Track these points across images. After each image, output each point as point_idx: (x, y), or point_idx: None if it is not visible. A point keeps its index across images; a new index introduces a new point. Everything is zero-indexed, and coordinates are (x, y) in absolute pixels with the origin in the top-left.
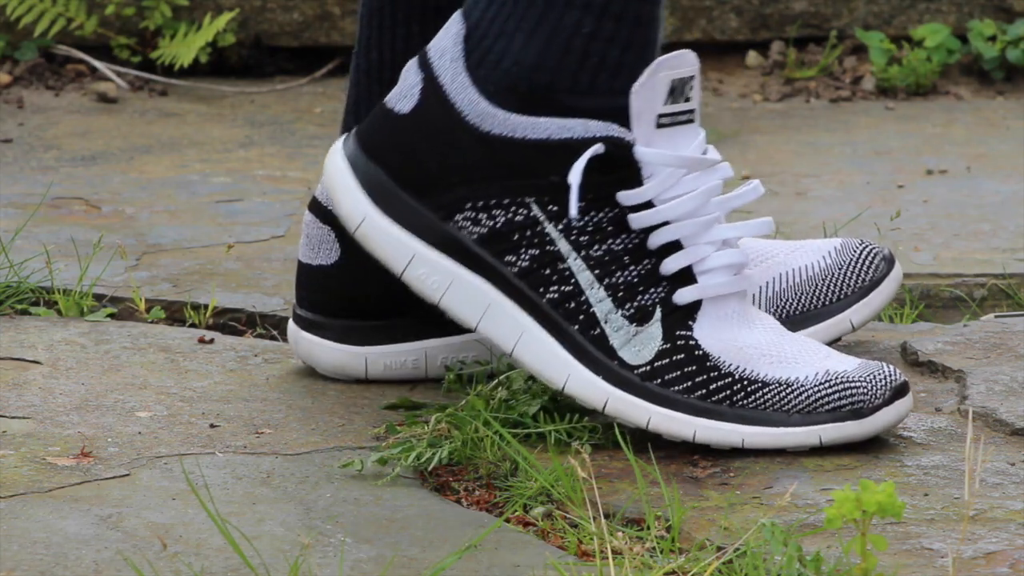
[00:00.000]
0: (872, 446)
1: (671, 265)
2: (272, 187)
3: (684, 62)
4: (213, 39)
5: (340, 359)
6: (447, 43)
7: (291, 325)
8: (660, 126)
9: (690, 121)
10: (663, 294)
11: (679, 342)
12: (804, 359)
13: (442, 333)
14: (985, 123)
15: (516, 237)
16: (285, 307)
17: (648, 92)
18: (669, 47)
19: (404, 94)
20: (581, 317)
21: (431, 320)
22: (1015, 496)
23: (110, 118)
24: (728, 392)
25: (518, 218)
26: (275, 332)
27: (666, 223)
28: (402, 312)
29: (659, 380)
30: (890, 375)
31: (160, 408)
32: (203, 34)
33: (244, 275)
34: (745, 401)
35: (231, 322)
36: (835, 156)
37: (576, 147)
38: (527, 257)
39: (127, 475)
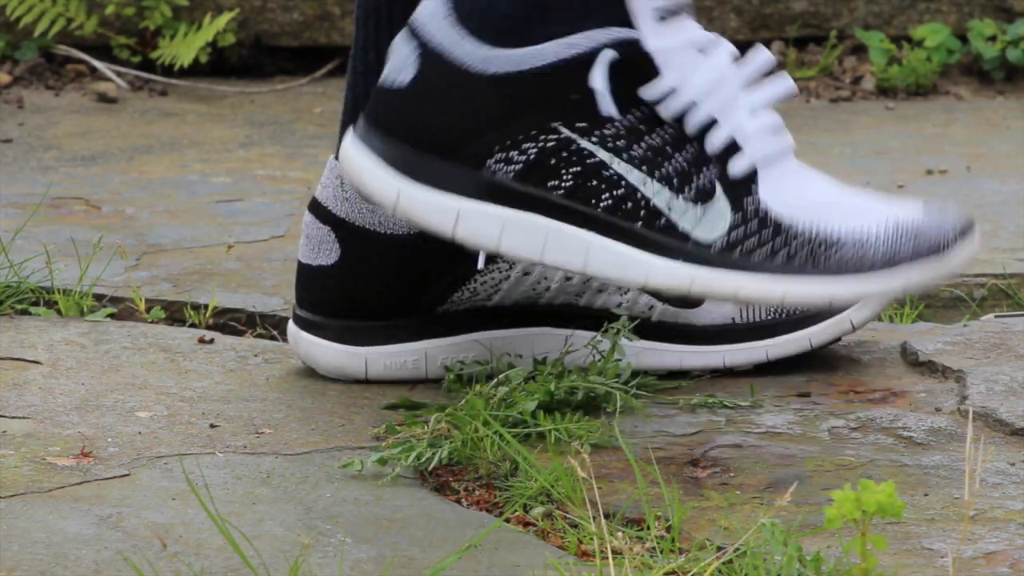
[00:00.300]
0: (872, 446)
1: (714, 142)
2: (272, 187)
3: None
4: (213, 39)
5: (340, 359)
6: (430, 7)
7: (291, 325)
8: (661, 19)
9: (685, 10)
10: (717, 170)
11: (749, 209)
12: (871, 208)
13: (442, 333)
14: (985, 123)
15: (553, 162)
16: (285, 307)
17: None
18: None
19: (400, 67)
20: (642, 213)
21: (431, 320)
22: (1015, 496)
23: (110, 118)
24: (807, 252)
25: (550, 144)
26: (275, 332)
27: (694, 104)
28: (402, 313)
29: (739, 250)
30: (956, 213)
31: (160, 408)
32: (203, 34)
33: (244, 275)
34: (824, 259)
35: (231, 322)
36: (835, 156)
37: (587, 59)
38: (569, 177)
39: (127, 475)
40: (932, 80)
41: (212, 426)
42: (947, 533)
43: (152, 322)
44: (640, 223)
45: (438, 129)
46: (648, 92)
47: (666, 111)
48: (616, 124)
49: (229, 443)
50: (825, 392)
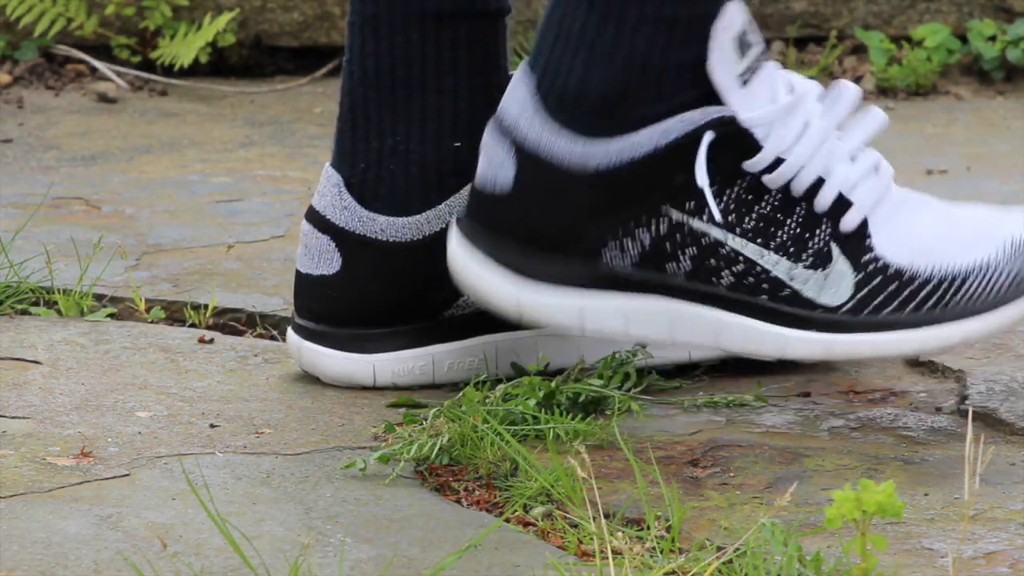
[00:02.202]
0: (872, 446)
1: (823, 201)
2: (272, 187)
3: (733, 15)
4: (213, 39)
5: (347, 368)
6: (521, 99)
7: (291, 336)
8: (745, 84)
9: (765, 60)
10: (830, 230)
11: (869, 267)
12: (984, 232)
13: (449, 338)
14: (985, 123)
15: (668, 246)
16: (285, 307)
17: (722, 62)
18: None
19: (496, 169)
20: (765, 286)
21: (437, 325)
22: (1015, 496)
23: (110, 118)
24: (936, 297)
25: (662, 228)
26: (275, 332)
27: (801, 168)
28: (407, 319)
29: (867, 310)
30: None
31: (160, 408)
32: (203, 34)
33: (244, 275)
34: (953, 300)
35: (231, 322)
36: None
37: (686, 143)
38: (687, 258)
39: (127, 475)
40: (932, 80)
41: (212, 426)
42: (947, 533)
43: (152, 322)
44: (765, 296)
45: (548, 228)
46: (752, 165)
47: (773, 182)
48: (724, 200)
49: (229, 443)
50: (825, 392)
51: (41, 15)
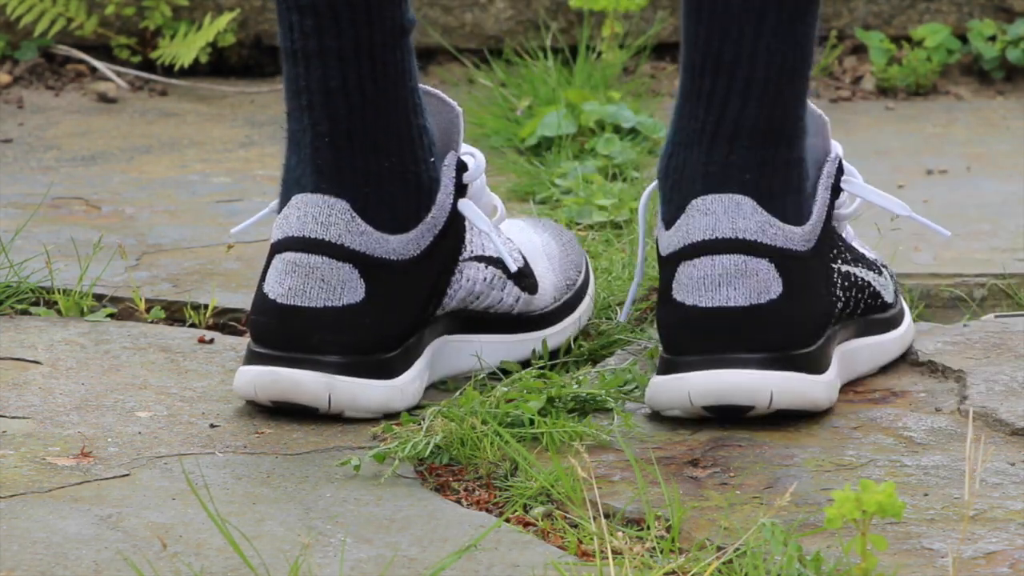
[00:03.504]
0: (872, 446)
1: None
2: (272, 187)
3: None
4: (213, 39)
5: (386, 395)
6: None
7: (318, 378)
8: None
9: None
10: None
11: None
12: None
13: (440, 334)
14: (985, 123)
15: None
16: None
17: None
18: (671, 47)
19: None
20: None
21: (431, 329)
22: (1015, 496)
23: (110, 118)
24: None
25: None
26: None
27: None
28: (413, 333)
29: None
30: None
31: (160, 408)
32: (203, 34)
33: (244, 275)
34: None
35: (231, 322)
36: None
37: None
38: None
39: (127, 475)
40: (932, 80)
41: (212, 426)
42: (947, 533)
43: (152, 322)
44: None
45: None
46: (845, 211)
47: (842, 217)
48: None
49: (229, 443)
50: None
51: (41, 15)
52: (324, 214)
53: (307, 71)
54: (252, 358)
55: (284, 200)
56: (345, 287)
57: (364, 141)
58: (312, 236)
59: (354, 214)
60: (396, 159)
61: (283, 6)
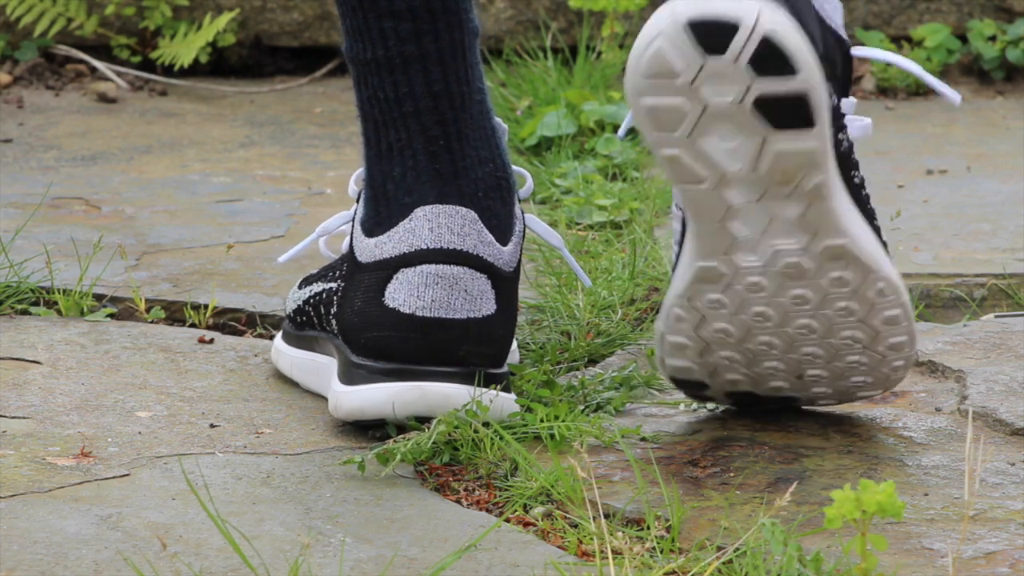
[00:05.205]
0: (872, 446)
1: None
2: (272, 187)
3: None
4: (213, 39)
5: (517, 407)
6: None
7: (470, 391)
8: None
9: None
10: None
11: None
12: None
13: None
14: (985, 123)
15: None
16: (285, 307)
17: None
18: None
19: None
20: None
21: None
22: (1015, 496)
23: (110, 118)
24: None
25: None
26: (275, 332)
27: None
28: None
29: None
30: None
31: (160, 408)
32: (203, 34)
33: (244, 275)
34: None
35: (231, 322)
36: None
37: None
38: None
39: (127, 475)
40: None
41: (212, 426)
42: (947, 533)
43: (152, 322)
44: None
45: None
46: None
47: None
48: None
49: (229, 443)
50: None
51: (41, 15)
52: (458, 225)
53: (407, 76)
54: (376, 375)
55: (393, 213)
56: (483, 298)
57: (470, 146)
58: (451, 247)
59: (481, 224)
60: (491, 165)
61: (373, 14)
